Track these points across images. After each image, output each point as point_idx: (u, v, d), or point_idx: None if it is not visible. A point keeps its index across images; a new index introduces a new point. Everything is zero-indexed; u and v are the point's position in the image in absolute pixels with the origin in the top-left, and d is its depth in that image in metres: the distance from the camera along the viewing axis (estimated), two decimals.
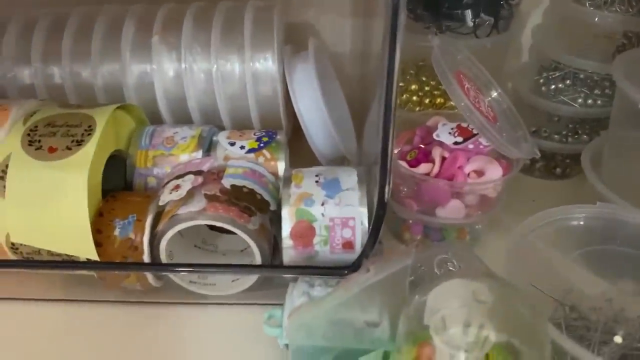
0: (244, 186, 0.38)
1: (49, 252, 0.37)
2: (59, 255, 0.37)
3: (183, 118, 0.49)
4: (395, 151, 0.44)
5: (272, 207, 0.38)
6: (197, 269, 0.38)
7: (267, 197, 0.39)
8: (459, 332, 0.28)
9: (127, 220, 0.38)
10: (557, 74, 0.50)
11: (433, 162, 0.42)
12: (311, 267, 0.37)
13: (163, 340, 0.39)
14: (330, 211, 0.37)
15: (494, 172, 0.40)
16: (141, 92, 0.48)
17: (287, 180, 0.39)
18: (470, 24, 0.45)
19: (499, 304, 0.29)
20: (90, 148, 0.37)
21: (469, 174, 0.40)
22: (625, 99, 0.36)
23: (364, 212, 0.37)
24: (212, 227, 0.42)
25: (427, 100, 0.50)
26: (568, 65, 0.49)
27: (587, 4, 0.46)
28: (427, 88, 0.51)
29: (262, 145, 0.43)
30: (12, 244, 0.37)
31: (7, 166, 0.36)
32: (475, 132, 0.41)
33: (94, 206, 0.38)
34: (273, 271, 0.38)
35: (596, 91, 0.49)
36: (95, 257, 0.37)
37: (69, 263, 0.37)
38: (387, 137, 0.34)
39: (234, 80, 0.48)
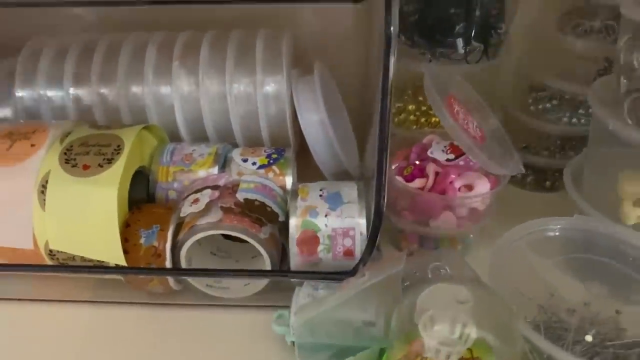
0: (256, 199, 0.43)
1: (82, 258, 0.42)
2: (91, 260, 0.42)
3: (200, 136, 0.53)
4: (393, 167, 0.48)
5: (281, 218, 0.43)
6: (214, 274, 0.43)
7: (276, 209, 0.43)
8: (445, 329, 0.32)
9: (151, 230, 0.42)
10: (545, 95, 0.54)
11: (427, 177, 0.46)
12: (315, 272, 0.41)
13: (182, 337, 0.43)
14: (333, 222, 0.41)
15: (482, 186, 0.44)
16: (162, 113, 0.53)
17: (294, 193, 0.44)
18: (462, 50, 0.49)
19: (479, 305, 0.33)
20: (119, 166, 0.42)
21: (459, 188, 0.45)
22: (598, 121, 0.40)
23: (363, 223, 0.41)
24: (226, 237, 0.46)
25: (423, 120, 0.55)
26: (554, 87, 0.53)
27: (570, 33, 0.50)
28: (423, 108, 0.55)
29: (271, 161, 0.48)
30: (50, 250, 0.42)
31: (47, 182, 0.41)
32: None
33: (122, 217, 0.42)
34: (281, 276, 0.42)
35: (580, 111, 0.53)
36: (123, 262, 0.41)
37: (100, 268, 0.42)
38: (382, 155, 0.38)
39: (246, 102, 0.52)
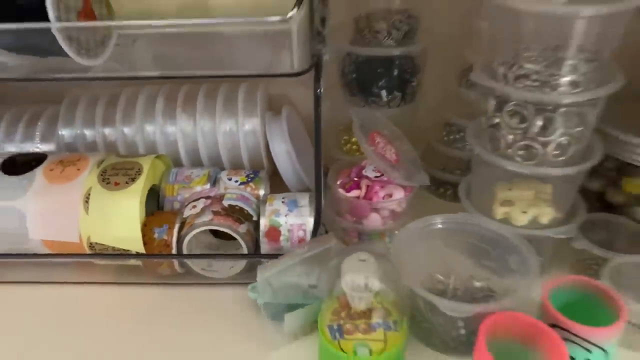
0: (237, 205, 0.60)
1: (113, 249, 0.59)
2: (119, 250, 0.59)
3: (196, 162, 0.71)
4: (338, 182, 0.66)
5: (254, 218, 0.60)
6: (208, 257, 0.60)
7: (251, 212, 0.60)
8: (354, 278, 0.48)
9: (162, 228, 0.59)
10: (454, 129, 0.73)
11: (361, 189, 0.63)
12: (279, 254, 0.59)
13: (184, 308, 0.59)
14: (291, 220, 0.59)
15: (398, 194, 0.62)
16: (168, 145, 0.70)
17: (264, 201, 0.61)
18: (386, 98, 0.68)
19: (383, 270, 0.50)
20: (139, 183, 0.59)
21: (383, 196, 0.62)
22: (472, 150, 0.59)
23: (311, 220, 0.59)
24: (216, 235, 0.63)
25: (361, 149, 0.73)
26: (459, 123, 0.71)
27: (464, 85, 0.69)
28: None
29: (249, 180, 0.65)
30: (90, 243, 0.58)
31: (89, 195, 0.58)
32: None
33: (142, 219, 0.59)
34: (255, 258, 0.59)
35: None
36: (142, 251, 0.58)
37: (126, 255, 0.59)
38: (318, 174, 0.56)
39: (230, 137, 0.70)
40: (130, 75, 0.62)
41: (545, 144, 0.52)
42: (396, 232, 0.66)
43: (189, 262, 0.60)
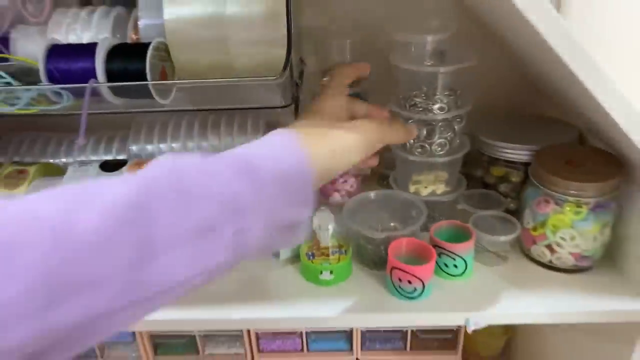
0: None
1: None
2: None
3: None
4: None
5: None
6: None
7: None
8: (322, 224, 0.83)
9: None
10: None
11: None
12: None
13: None
14: None
15: (352, 180, 0.97)
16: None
17: None
18: None
19: (336, 218, 0.85)
20: None
21: (342, 182, 0.98)
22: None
23: None
24: None
25: None
26: None
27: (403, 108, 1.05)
28: None
29: None
30: None
31: None
32: None
33: None
34: None
35: None
36: None
37: None
38: None
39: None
40: (179, 109, 0.98)
41: (430, 144, 0.88)
42: None
43: None
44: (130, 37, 0.90)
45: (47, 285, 0.39)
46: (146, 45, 0.81)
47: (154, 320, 0.76)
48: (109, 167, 0.96)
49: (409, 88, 0.87)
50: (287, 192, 0.53)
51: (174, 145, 1.06)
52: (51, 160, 1.05)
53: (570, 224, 0.79)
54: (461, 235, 0.84)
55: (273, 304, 0.79)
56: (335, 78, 0.75)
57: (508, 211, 0.89)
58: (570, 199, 0.78)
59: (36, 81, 0.82)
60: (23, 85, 0.83)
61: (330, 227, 0.83)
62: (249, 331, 1.23)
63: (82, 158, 1.06)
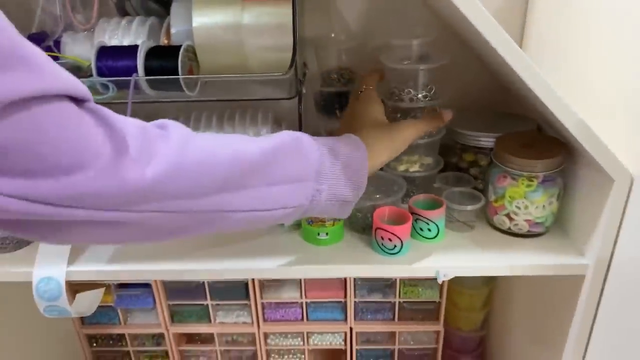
0: None
1: None
2: None
3: None
4: None
5: None
6: None
7: None
8: None
9: None
10: None
11: None
12: None
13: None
14: None
15: None
16: None
17: None
18: (339, 115, 1.22)
19: None
20: None
21: None
22: None
23: None
24: None
25: None
26: None
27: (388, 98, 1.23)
28: None
29: None
30: None
31: None
32: None
33: None
34: None
35: None
36: None
37: None
38: None
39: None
40: (203, 99, 1.16)
41: None
42: None
43: None
44: (163, 42, 1.09)
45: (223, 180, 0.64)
46: (178, 47, 1.00)
47: (171, 270, 0.94)
48: None
49: (397, 82, 1.05)
50: (350, 174, 0.76)
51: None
52: None
53: (524, 194, 0.96)
54: (435, 206, 1.01)
55: (278, 257, 0.97)
56: (367, 85, 0.95)
57: (477, 189, 1.07)
58: (524, 173, 0.95)
59: (82, 77, 1.01)
60: None
61: None
62: (256, 302, 1.40)
63: None
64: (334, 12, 1.24)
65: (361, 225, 1.03)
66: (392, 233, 0.93)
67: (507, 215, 1.00)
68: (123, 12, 1.16)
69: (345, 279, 1.36)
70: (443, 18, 1.16)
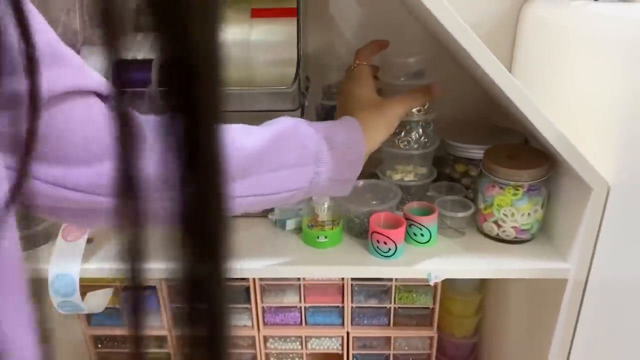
0: None
1: None
2: None
3: None
4: None
5: None
6: None
7: None
8: (319, 200, 1.07)
9: None
10: None
11: None
12: None
13: None
14: None
15: None
16: None
17: None
18: None
19: (330, 199, 1.09)
20: None
21: None
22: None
23: None
24: None
25: None
26: None
27: None
28: None
29: None
30: None
31: None
32: None
33: None
34: None
35: None
36: None
37: None
38: None
39: None
40: None
41: (409, 142, 1.13)
42: None
43: None
44: None
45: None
46: None
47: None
48: None
49: None
50: (348, 156, 0.82)
51: None
52: None
53: (510, 202, 1.03)
54: (428, 212, 1.07)
55: (279, 259, 1.03)
56: (360, 60, 0.97)
57: (468, 198, 1.13)
58: (510, 183, 1.02)
59: None
60: None
61: (326, 204, 1.07)
62: (256, 306, 1.45)
63: None
64: (335, 30, 1.32)
65: (358, 229, 1.10)
66: (387, 237, 1.00)
67: (496, 222, 1.06)
68: (138, 27, 1.24)
69: (343, 285, 1.42)
70: (438, 37, 1.24)
